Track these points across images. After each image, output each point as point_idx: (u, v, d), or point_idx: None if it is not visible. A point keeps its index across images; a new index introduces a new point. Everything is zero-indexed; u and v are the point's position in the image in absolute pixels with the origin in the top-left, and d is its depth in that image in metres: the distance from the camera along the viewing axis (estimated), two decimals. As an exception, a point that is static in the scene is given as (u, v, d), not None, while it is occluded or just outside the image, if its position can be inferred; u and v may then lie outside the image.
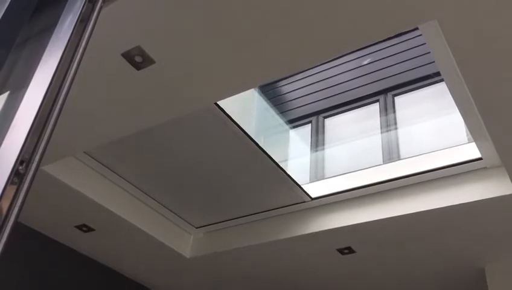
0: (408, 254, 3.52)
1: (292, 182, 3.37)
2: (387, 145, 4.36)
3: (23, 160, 0.99)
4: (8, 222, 0.95)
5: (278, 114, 5.27)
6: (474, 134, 2.76)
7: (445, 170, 3.08)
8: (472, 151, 2.97)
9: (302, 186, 3.42)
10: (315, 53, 2.10)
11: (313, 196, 3.48)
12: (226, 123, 2.96)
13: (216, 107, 2.82)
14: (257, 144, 3.11)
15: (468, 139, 3.15)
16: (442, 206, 3.01)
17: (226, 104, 2.87)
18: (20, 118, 1.06)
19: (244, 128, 3.01)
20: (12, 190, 0.96)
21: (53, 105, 1.09)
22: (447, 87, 2.50)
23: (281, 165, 3.28)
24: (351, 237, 3.40)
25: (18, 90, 1.15)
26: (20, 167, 0.98)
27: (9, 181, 0.95)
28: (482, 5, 1.85)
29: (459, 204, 2.96)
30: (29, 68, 1.17)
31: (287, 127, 5.31)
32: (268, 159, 3.20)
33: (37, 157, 1.02)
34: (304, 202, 3.50)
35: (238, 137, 3.04)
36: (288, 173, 3.36)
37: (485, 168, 2.99)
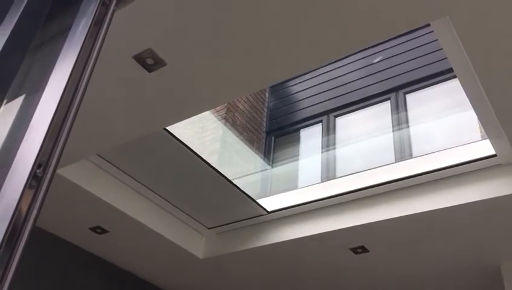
0: (423, 252, 3.49)
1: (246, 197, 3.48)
2: (399, 143, 4.33)
3: (41, 163, 0.99)
4: (26, 225, 0.95)
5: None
6: (488, 131, 2.73)
7: (459, 168, 3.05)
8: (486, 148, 2.94)
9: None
10: (325, 52, 2.09)
11: (327, 195, 3.46)
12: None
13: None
14: (210, 165, 3.29)
15: (482, 136, 3.12)
16: (456, 204, 2.98)
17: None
18: (37, 122, 1.06)
19: (198, 153, 3.22)
20: (30, 193, 0.96)
21: (69, 108, 1.09)
22: (460, 84, 2.48)
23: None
24: (364, 236, 3.38)
25: (34, 94, 1.16)
26: (38, 171, 0.98)
27: (28, 185, 0.96)
28: (494, 0, 1.83)
29: (473, 202, 2.93)
30: (44, 72, 1.17)
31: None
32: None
33: (54, 161, 1.03)
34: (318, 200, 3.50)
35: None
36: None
37: (499, 165, 2.95)
